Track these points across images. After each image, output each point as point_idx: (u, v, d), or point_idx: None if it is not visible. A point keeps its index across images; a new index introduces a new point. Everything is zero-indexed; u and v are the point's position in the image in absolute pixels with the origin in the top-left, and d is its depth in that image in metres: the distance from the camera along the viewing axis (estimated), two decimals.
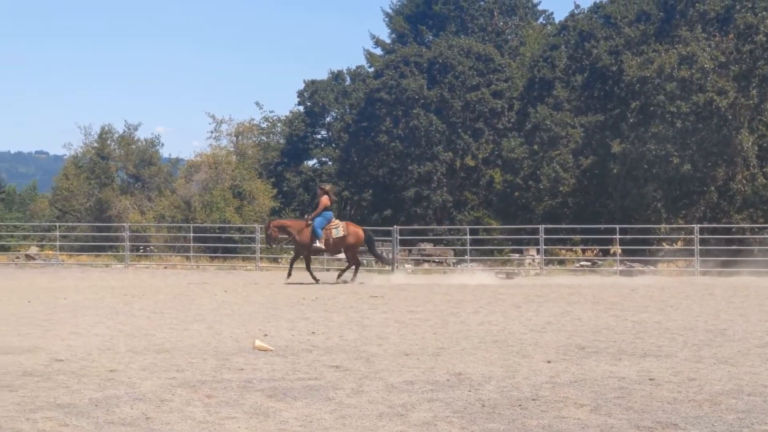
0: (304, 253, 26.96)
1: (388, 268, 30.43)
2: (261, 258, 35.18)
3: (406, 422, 8.35)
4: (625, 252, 34.67)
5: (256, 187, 49.58)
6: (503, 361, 11.81)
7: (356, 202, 56.17)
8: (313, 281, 26.22)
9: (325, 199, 26.89)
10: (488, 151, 51.20)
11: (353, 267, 27.34)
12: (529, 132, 47.99)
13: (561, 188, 45.79)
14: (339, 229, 26.84)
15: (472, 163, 52.00)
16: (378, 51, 62.80)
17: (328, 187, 28.45)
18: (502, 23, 59.55)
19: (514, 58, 54.67)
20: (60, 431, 7.87)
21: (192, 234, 36.91)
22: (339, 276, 27.24)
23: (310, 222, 26.59)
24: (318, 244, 26.41)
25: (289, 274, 26.69)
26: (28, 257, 36.85)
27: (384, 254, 30.67)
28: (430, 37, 58.83)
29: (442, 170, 50.23)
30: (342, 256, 29.48)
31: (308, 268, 27.10)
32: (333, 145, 56.57)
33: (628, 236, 34.30)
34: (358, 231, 27.45)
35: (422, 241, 38.76)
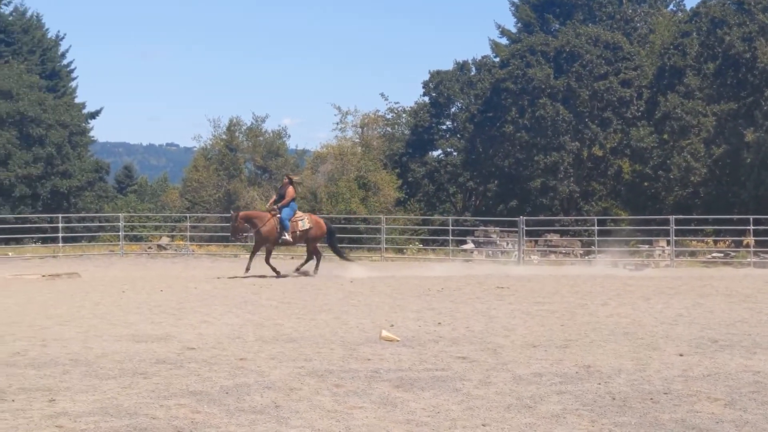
0: (267, 245, 25.43)
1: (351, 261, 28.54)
2: (386, 248, 35.28)
3: (535, 414, 8.27)
4: (759, 243, 33.69)
5: (381, 177, 49.78)
6: (633, 353, 11.59)
7: (481, 193, 55.95)
8: (274, 274, 24.74)
9: (291, 190, 25.66)
10: (616, 140, 50.46)
11: (314, 259, 25.92)
12: (659, 121, 47.11)
13: (692, 178, 44.87)
14: (304, 221, 25.63)
15: (599, 153, 51.29)
16: (504, 41, 62.40)
17: (295, 177, 27.66)
18: (630, 11, 58.46)
19: (643, 46, 53.71)
20: (193, 418, 8.00)
21: None
22: (298, 269, 25.70)
23: (277, 213, 25.11)
24: (286, 236, 25.07)
25: (248, 269, 24.78)
26: (160, 247, 37.64)
27: (342, 251, 28.66)
28: (557, 26, 58.18)
29: (569, 160, 49.63)
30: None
31: (268, 261, 25.32)
32: (458, 135, 56.41)
33: (762, 227, 33.32)
34: (321, 223, 26.37)
35: (548, 231, 38.36)
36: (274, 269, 24.96)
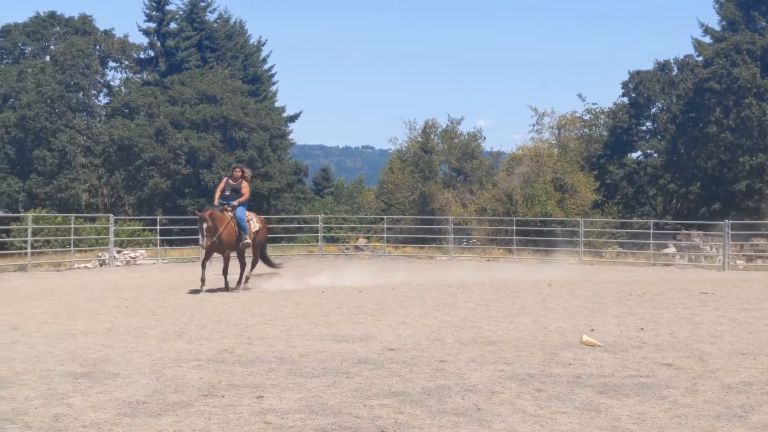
0: (226, 252, 21.49)
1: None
2: (584, 252, 34.82)
3: (746, 424, 8.00)
4: None
5: (578, 179, 49.15)
6: None
7: (682, 196, 54.47)
8: (225, 289, 21.34)
9: (247, 187, 21.93)
10: None
11: (248, 266, 22.44)
12: None
13: None
14: (254, 221, 22.26)
15: None
16: (707, 39, 60.62)
17: (248, 172, 22.86)
18: None
19: None
20: (396, 418, 8.08)
21: (514, 227, 37.06)
22: (246, 280, 22.30)
23: (231, 214, 21.39)
24: (247, 239, 21.59)
25: (204, 280, 21.00)
26: (357, 248, 38.24)
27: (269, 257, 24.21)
28: (764, 24, 56.12)
29: None
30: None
31: (225, 272, 21.60)
32: (659, 136, 55.11)
33: None
34: (265, 225, 23.35)
35: (755, 236, 37.02)
36: (227, 283, 21.50)
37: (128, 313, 16.13)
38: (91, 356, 11.29)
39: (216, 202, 21.68)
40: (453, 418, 8.12)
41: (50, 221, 36.58)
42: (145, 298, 19.41)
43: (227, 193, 21.60)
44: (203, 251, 21.50)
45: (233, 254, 21.77)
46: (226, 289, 21.15)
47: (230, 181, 21.76)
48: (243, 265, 22.09)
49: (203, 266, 21.16)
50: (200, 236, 20.76)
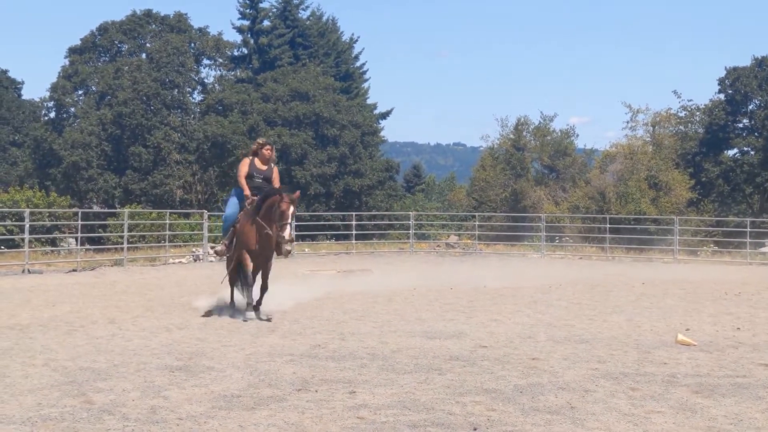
0: (269, 262, 15.35)
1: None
2: (679, 250, 34.31)
3: None
4: None
5: (673, 177, 48.49)
6: None
7: None
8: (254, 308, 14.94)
9: (277, 173, 16.08)
10: None
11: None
12: None
13: None
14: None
15: None
16: None
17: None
18: None
19: None
20: (488, 415, 8.06)
21: (607, 225, 36.66)
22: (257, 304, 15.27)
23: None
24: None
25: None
26: (448, 245, 38.22)
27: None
28: None
29: None
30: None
31: (264, 287, 15.37)
32: (755, 133, 54.05)
33: None
34: None
35: None
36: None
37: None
38: (187, 350, 11.47)
39: (249, 193, 15.27)
40: (546, 416, 8.07)
41: (145, 217, 37.24)
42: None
43: (258, 180, 15.43)
44: (246, 257, 14.98)
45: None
46: (256, 308, 14.88)
47: (258, 164, 15.54)
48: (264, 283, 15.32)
49: (249, 283, 14.90)
50: (275, 227, 14.50)
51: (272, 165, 15.80)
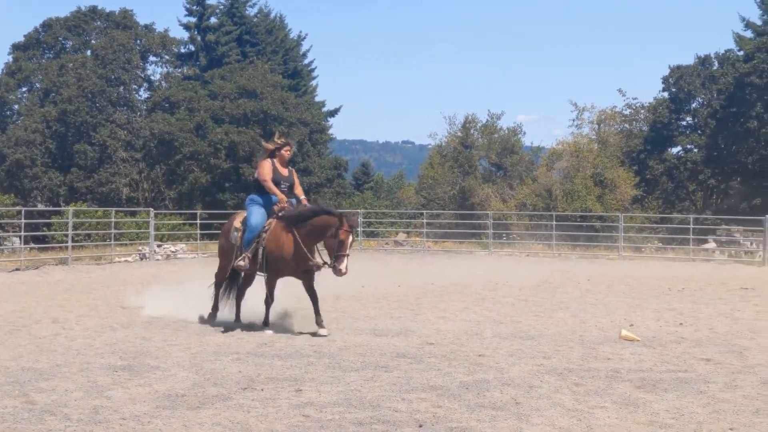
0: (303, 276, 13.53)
1: None
2: (624, 247, 34.63)
3: None
4: None
5: (618, 175, 48.98)
6: None
7: (722, 191, 54.10)
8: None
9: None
10: None
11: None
12: None
13: None
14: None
15: None
16: (748, 33, 59.97)
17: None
18: None
19: None
20: (434, 412, 8.09)
21: (554, 222, 36.91)
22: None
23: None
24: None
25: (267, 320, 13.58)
26: (397, 243, 38.25)
27: None
28: None
29: None
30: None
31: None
32: (699, 131, 54.73)
33: None
34: None
35: None
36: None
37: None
38: (131, 349, 11.39)
39: (284, 198, 13.59)
40: (491, 412, 8.12)
41: (91, 215, 36.90)
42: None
43: (283, 186, 13.71)
44: (271, 272, 13.43)
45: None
46: (319, 320, 13.10)
47: (279, 167, 13.80)
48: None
49: (269, 302, 13.58)
50: (335, 249, 12.77)
51: (291, 169, 14.11)
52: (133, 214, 39.41)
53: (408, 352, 11.34)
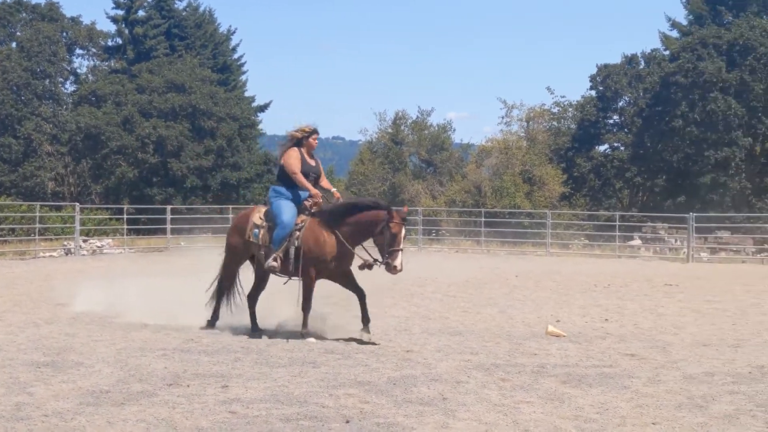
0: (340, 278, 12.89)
1: None
2: (552, 243, 34.95)
3: (707, 414, 8.07)
4: None
5: (546, 172, 49.40)
6: None
7: (648, 188, 54.78)
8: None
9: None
10: None
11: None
12: None
13: None
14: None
15: None
16: (674, 33, 60.92)
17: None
18: None
19: None
20: (361, 407, 8.08)
21: (483, 219, 37.14)
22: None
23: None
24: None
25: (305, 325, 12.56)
26: None
27: None
28: (730, 18, 56.37)
29: (741, 156, 48.13)
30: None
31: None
32: (625, 130, 55.38)
33: None
34: None
35: (719, 228, 37.34)
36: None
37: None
38: (55, 345, 11.22)
39: (317, 192, 12.61)
40: (418, 407, 8.13)
41: (15, 209, 36.28)
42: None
43: (310, 178, 12.66)
44: (307, 275, 12.47)
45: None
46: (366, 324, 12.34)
47: (306, 157, 12.76)
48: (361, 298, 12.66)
49: (307, 308, 12.63)
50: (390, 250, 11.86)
51: (317, 158, 13.11)
52: (58, 208, 38.85)
53: (336, 348, 11.34)
